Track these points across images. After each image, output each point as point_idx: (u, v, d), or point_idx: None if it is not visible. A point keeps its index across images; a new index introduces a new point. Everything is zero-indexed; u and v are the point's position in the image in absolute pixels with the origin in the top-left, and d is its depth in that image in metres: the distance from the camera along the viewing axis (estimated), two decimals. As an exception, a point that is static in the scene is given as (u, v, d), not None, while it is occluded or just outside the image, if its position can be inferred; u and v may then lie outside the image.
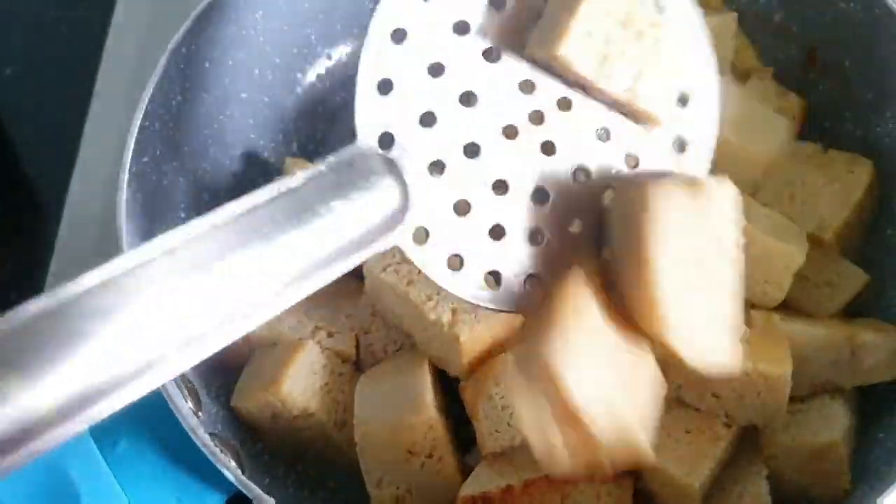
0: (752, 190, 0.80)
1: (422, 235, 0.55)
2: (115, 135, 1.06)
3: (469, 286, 0.56)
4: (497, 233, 0.57)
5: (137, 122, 0.74)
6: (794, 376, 0.70)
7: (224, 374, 0.78)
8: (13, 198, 1.05)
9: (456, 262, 0.56)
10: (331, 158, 0.53)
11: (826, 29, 0.86)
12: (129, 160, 0.73)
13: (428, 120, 0.56)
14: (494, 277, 0.57)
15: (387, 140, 0.55)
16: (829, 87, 0.87)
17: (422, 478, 0.69)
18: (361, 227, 0.51)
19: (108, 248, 0.98)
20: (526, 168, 0.57)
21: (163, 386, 0.64)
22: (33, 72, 1.16)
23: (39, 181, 1.10)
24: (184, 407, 0.64)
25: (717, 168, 0.78)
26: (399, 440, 0.68)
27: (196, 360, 0.47)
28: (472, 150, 0.56)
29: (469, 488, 0.66)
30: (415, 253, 0.55)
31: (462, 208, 0.56)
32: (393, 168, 0.54)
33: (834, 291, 0.79)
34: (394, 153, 0.55)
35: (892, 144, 0.82)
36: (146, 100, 0.75)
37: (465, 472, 0.70)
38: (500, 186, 0.57)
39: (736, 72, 0.88)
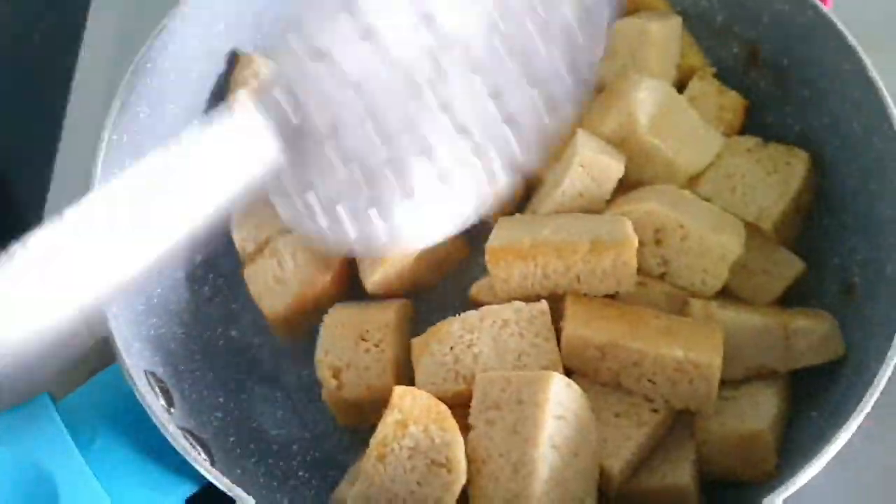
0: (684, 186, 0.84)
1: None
2: (92, 140, 1.10)
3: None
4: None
5: (106, 136, 0.77)
6: (729, 361, 0.74)
7: (192, 372, 0.82)
8: None
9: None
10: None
11: (766, 29, 0.89)
12: (98, 172, 0.76)
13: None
14: None
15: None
16: (770, 84, 0.91)
17: (362, 359, 0.78)
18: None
19: None
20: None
21: (134, 386, 0.68)
22: (8, 79, 1.17)
23: (18, 187, 1.11)
24: (154, 404, 0.68)
25: (644, 171, 0.83)
26: (357, 323, 0.78)
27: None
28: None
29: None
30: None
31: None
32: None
33: (771, 279, 0.82)
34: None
35: (828, 139, 0.86)
36: (114, 113, 0.78)
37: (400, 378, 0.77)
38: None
39: (680, 71, 0.91)
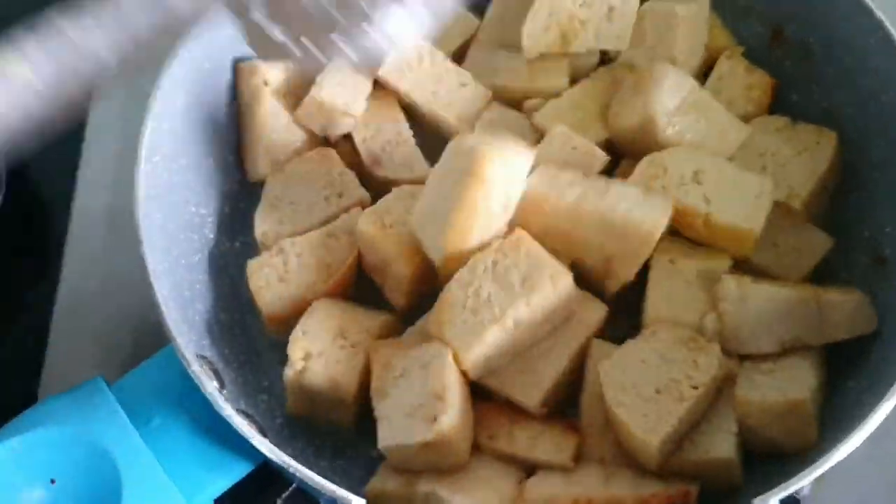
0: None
1: None
2: (117, 135, 1.11)
3: None
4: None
5: (148, 123, 0.78)
6: (764, 335, 0.76)
7: (236, 356, 0.84)
8: (21, 201, 1.07)
9: None
10: None
11: (790, 8, 0.91)
12: (142, 158, 0.77)
13: None
14: None
15: None
16: (795, 63, 0.92)
17: (335, 354, 0.78)
18: None
19: (115, 243, 1.05)
20: None
21: (189, 368, 0.69)
22: None
23: (45, 184, 1.12)
24: (209, 385, 0.69)
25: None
26: (341, 320, 0.79)
27: None
28: None
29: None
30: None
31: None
32: None
33: (801, 256, 0.83)
34: None
35: (854, 115, 0.87)
36: (155, 101, 0.79)
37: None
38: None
39: (708, 51, 0.92)
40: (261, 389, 0.83)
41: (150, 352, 0.81)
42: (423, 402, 0.72)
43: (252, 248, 0.88)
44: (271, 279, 0.82)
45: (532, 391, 0.76)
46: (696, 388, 0.74)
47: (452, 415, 0.71)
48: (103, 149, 1.10)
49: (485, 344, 0.74)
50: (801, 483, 0.68)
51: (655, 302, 0.80)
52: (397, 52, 0.80)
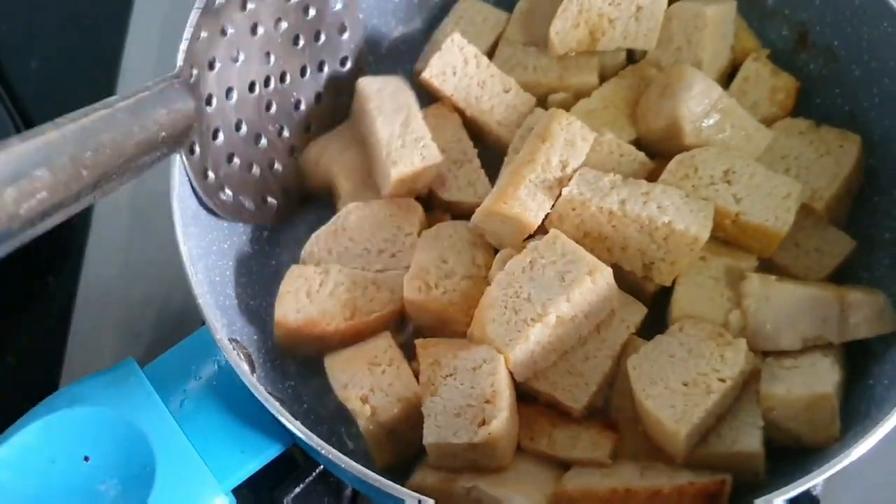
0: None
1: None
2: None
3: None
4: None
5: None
6: (788, 331, 0.77)
7: (264, 341, 0.85)
8: None
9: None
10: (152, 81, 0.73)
11: (817, 11, 0.92)
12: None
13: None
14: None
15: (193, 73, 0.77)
16: (820, 66, 0.93)
17: (383, 380, 0.79)
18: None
19: (138, 231, 1.05)
20: None
21: (225, 351, 0.70)
22: (58, 64, 1.19)
23: None
24: (243, 366, 0.70)
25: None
26: (360, 356, 0.80)
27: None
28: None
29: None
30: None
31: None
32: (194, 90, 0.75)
33: (823, 257, 0.84)
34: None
35: (878, 118, 0.88)
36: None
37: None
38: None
39: (734, 52, 0.93)
40: (287, 376, 0.84)
41: (172, 337, 0.82)
42: (473, 403, 0.73)
43: (278, 238, 0.88)
44: (301, 290, 0.82)
45: (579, 394, 0.77)
46: (723, 381, 0.75)
47: (502, 419, 0.72)
48: None
49: (529, 341, 0.75)
50: (815, 481, 0.68)
51: (683, 297, 0.81)
52: (442, 54, 0.87)
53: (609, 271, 0.76)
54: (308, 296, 0.82)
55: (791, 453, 0.76)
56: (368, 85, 0.87)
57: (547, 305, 0.75)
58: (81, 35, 1.22)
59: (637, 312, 0.80)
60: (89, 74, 1.18)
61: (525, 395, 0.80)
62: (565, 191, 0.79)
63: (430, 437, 0.74)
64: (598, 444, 0.77)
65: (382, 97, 0.86)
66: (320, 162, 0.89)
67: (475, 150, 0.90)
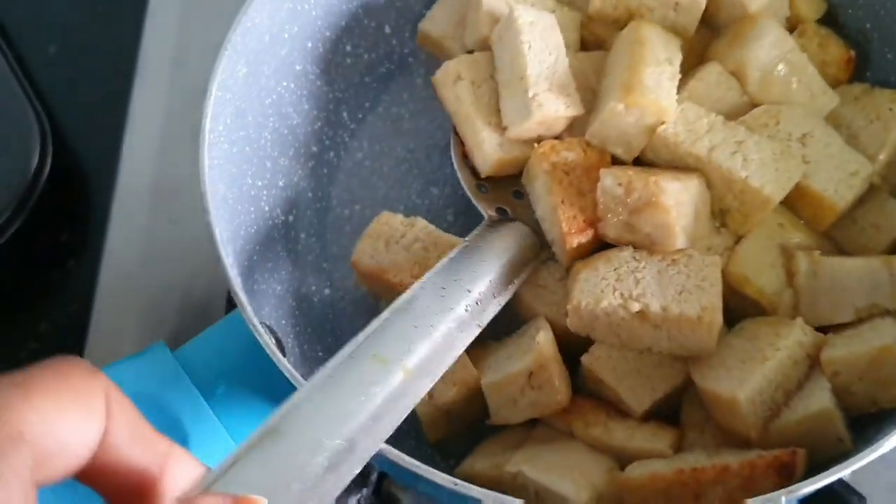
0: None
1: None
2: (161, 108, 1.12)
3: None
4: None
5: (213, 91, 0.78)
6: (839, 306, 0.77)
7: (293, 326, 0.84)
8: (65, 174, 1.08)
9: None
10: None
11: (848, -7, 0.91)
12: (207, 127, 0.77)
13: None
14: None
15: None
16: (852, 48, 0.91)
17: None
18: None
19: (159, 215, 1.05)
20: None
21: (258, 334, 0.70)
22: (76, 50, 1.19)
23: (89, 156, 1.13)
24: (278, 353, 0.70)
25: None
26: None
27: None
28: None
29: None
30: None
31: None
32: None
33: (879, 232, 0.82)
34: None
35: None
36: (219, 70, 0.79)
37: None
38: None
39: (789, 23, 0.90)
40: (316, 360, 0.84)
41: (197, 323, 0.82)
42: (521, 343, 0.77)
43: (302, 223, 0.87)
44: (381, 238, 0.82)
45: (643, 396, 0.76)
46: (778, 349, 0.73)
47: (548, 331, 0.76)
48: (148, 121, 1.12)
49: (598, 306, 0.74)
50: (833, 477, 0.65)
51: (744, 254, 0.79)
52: None
53: (719, 323, 0.73)
54: (386, 245, 0.82)
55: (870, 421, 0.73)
56: (523, 15, 0.82)
57: (646, 295, 0.74)
58: (100, 20, 1.21)
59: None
60: (108, 59, 1.18)
61: (582, 389, 0.79)
62: (661, 128, 0.79)
63: (487, 378, 0.77)
64: (659, 436, 0.75)
65: (534, 33, 0.82)
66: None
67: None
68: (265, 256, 0.86)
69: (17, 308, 1.04)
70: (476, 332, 0.70)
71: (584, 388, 0.80)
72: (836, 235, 0.83)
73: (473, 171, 0.85)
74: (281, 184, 0.91)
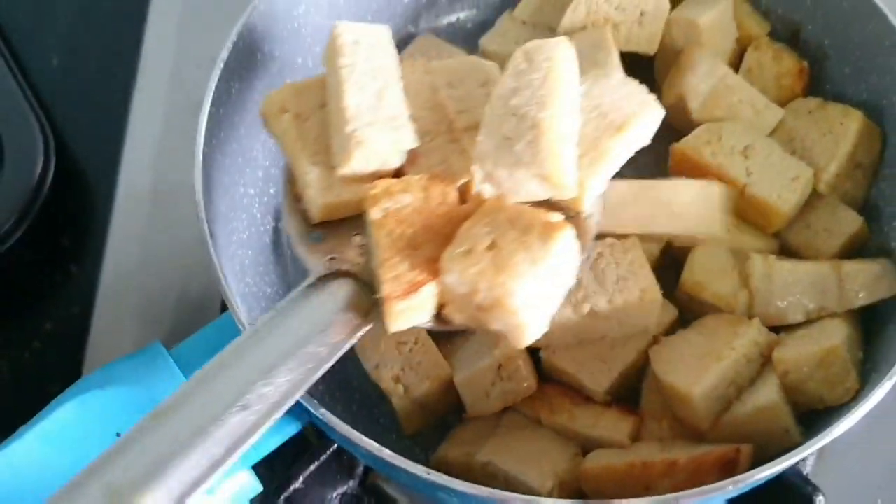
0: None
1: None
2: (160, 116, 1.16)
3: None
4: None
5: (207, 108, 0.83)
6: (791, 307, 0.82)
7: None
8: (67, 179, 1.12)
9: None
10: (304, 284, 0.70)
11: (809, 11, 0.96)
12: (201, 144, 0.82)
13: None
14: None
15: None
16: (812, 64, 0.97)
17: (412, 359, 0.84)
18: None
19: (157, 220, 1.10)
20: None
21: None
22: (78, 60, 1.23)
23: (91, 163, 1.17)
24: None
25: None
26: (390, 336, 0.81)
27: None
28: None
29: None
30: None
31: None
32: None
33: (830, 236, 0.88)
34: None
35: (870, 114, 0.91)
36: (212, 87, 0.84)
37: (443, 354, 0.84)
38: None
39: (740, 42, 0.97)
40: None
41: (192, 323, 0.86)
42: (487, 338, 0.80)
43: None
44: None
45: (601, 378, 0.81)
46: (733, 349, 0.79)
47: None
48: (146, 130, 1.16)
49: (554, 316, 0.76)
50: (787, 463, 0.70)
51: (698, 261, 0.85)
52: None
53: (659, 299, 0.79)
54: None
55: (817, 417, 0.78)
56: (344, 33, 0.72)
57: (589, 296, 0.79)
58: (100, 30, 1.25)
59: (668, 313, 0.84)
60: (109, 70, 1.22)
61: (549, 378, 0.84)
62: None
63: (459, 376, 0.80)
64: (619, 426, 0.81)
65: (358, 54, 0.71)
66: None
67: (450, 120, 0.74)
68: (256, 260, 0.91)
69: (21, 309, 1.08)
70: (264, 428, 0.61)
71: (549, 376, 0.85)
72: (791, 239, 0.88)
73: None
74: (272, 191, 0.96)
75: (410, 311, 0.65)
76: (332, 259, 0.71)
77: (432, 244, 0.65)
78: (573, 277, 0.66)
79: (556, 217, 0.64)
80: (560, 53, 0.68)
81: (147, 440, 0.57)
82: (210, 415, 0.59)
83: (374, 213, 0.66)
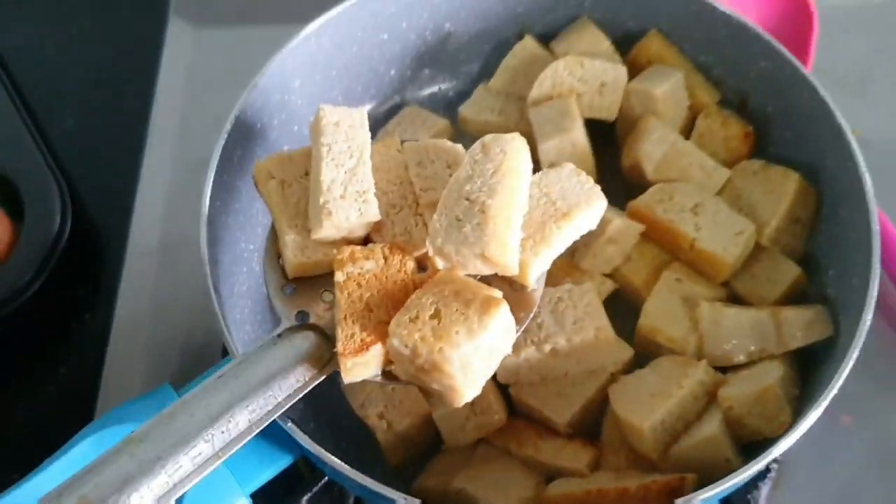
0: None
1: None
2: (168, 175, 1.24)
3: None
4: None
5: (212, 175, 0.91)
6: (733, 349, 0.91)
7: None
8: (82, 236, 1.17)
9: None
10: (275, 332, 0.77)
11: (754, 83, 1.06)
12: (206, 206, 0.90)
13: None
14: None
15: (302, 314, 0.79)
16: (758, 128, 1.06)
17: (394, 397, 0.91)
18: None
19: (166, 274, 1.17)
20: None
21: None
22: (92, 122, 1.30)
23: (103, 220, 1.23)
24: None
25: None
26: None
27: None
28: None
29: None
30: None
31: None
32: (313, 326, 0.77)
33: (773, 285, 0.97)
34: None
35: (809, 173, 1.01)
36: (217, 156, 0.93)
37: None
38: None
39: (692, 109, 1.07)
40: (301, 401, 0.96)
41: (196, 366, 0.92)
42: None
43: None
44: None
45: (563, 412, 0.89)
46: (682, 387, 0.87)
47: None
48: (156, 188, 1.23)
49: (518, 358, 0.87)
50: (738, 479, 0.78)
51: (652, 309, 0.94)
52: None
53: (612, 337, 0.88)
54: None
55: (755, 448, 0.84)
56: (327, 115, 0.81)
57: (550, 336, 0.87)
58: (113, 94, 1.32)
59: (625, 352, 0.93)
60: (121, 132, 1.29)
61: (517, 412, 0.93)
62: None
63: (437, 412, 0.88)
64: (579, 456, 0.89)
65: (337, 134, 0.80)
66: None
67: (416, 195, 0.83)
68: (254, 310, 1.00)
69: (38, 355, 1.13)
70: (223, 458, 0.70)
71: (519, 411, 0.94)
72: (738, 288, 0.98)
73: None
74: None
75: (361, 366, 0.73)
76: (300, 313, 0.79)
77: (385, 308, 0.74)
78: (509, 347, 0.73)
79: (497, 294, 0.72)
80: (513, 146, 0.76)
81: (118, 461, 0.67)
82: (172, 443, 0.68)
83: (338, 276, 0.75)
